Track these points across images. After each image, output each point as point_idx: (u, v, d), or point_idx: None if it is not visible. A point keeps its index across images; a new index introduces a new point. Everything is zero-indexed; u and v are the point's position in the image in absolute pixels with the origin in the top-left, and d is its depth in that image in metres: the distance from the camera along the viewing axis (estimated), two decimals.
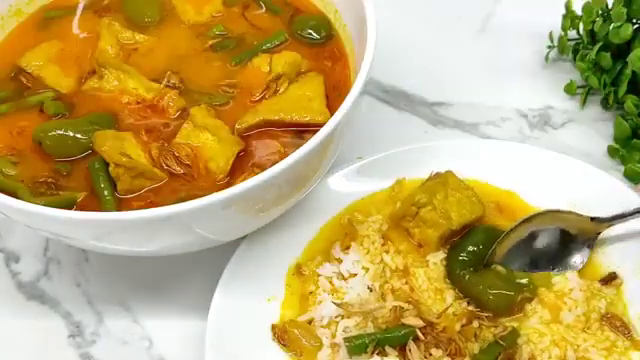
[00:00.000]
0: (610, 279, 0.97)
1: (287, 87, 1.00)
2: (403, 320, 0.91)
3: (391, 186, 1.07)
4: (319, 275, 1.00)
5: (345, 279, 0.99)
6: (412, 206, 1.00)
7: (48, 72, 1.04)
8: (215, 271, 0.99)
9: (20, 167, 0.95)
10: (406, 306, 0.93)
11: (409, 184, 1.06)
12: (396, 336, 0.90)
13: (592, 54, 1.17)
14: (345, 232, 1.03)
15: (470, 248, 0.98)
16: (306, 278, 1.00)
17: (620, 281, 0.97)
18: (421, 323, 0.91)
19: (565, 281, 0.97)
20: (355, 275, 0.99)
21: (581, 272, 0.98)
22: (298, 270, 1.01)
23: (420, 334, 0.90)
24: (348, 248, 1.02)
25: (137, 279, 1.07)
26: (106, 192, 0.92)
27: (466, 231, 1.00)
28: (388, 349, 0.90)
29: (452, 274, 0.97)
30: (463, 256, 0.97)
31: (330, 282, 0.99)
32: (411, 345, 0.90)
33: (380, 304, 0.94)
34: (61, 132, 0.96)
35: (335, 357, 0.93)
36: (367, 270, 0.99)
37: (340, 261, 1.01)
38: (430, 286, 0.97)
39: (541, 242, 0.99)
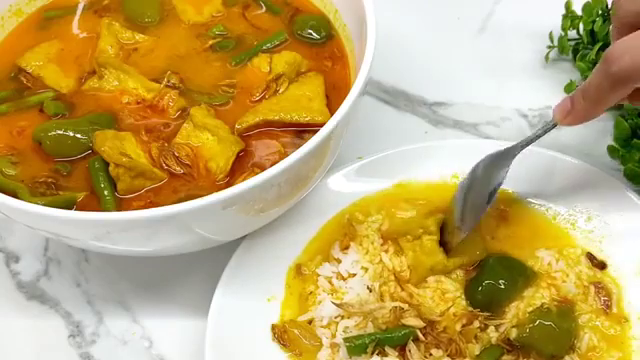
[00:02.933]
0: (598, 264, 0.98)
1: (287, 87, 1.00)
2: (403, 320, 0.91)
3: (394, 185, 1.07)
4: (319, 275, 1.00)
5: (344, 279, 0.99)
6: (420, 229, 0.99)
7: (48, 72, 1.04)
8: (215, 271, 0.99)
9: (20, 167, 0.95)
10: (406, 307, 0.93)
11: (414, 186, 1.07)
12: (396, 336, 0.90)
13: (592, 54, 1.17)
14: (344, 232, 1.03)
15: (486, 282, 0.96)
16: (306, 278, 1.00)
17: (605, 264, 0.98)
18: (421, 324, 0.90)
19: (539, 260, 0.98)
20: (354, 275, 0.99)
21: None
22: (298, 270, 1.01)
23: (420, 334, 0.90)
24: (347, 248, 1.01)
25: (137, 279, 1.07)
26: (106, 192, 0.91)
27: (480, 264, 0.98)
28: (388, 349, 0.90)
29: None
30: (481, 291, 0.95)
31: (330, 282, 0.99)
32: (411, 346, 0.90)
33: (380, 304, 0.94)
34: (61, 132, 0.96)
35: (335, 357, 0.93)
36: (366, 270, 0.99)
37: (339, 261, 1.01)
38: (431, 285, 0.97)
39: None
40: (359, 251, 1.01)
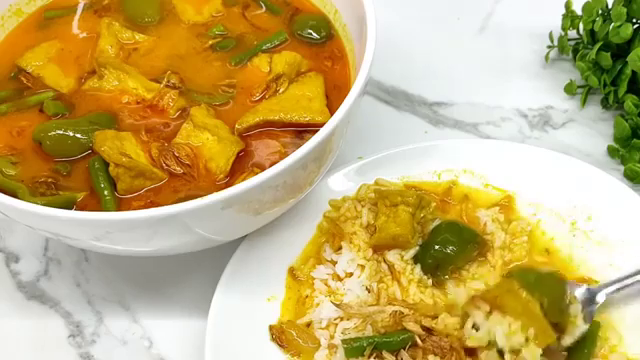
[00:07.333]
0: None
1: (287, 87, 1.00)
2: (404, 324, 0.90)
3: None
4: (314, 279, 1.00)
5: (341, 280, 0.99)
6: (399, 197, 1.00)
7: (48, 72, 1.04)
8: (215, 271, 0.99)
9: (20, 167, 0.95)
10: (406, 311, 0.92)
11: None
12: (394, 341, 0.90)
13: (592, 54, 1.17)
14: (332, 233, 1.03)
15: (437, 247, 0.98)
16: (301, 282, 1.00)
17: None
18: (421, 331, 0.90)
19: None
20: (351, 275, 0.99)
21: None
22: (292, 274, 1.01)
23: (419, 340, 0.89)
24: (340, 249, 1.01)
25: (137, 279, 1.07)
26: (106, 192, 0.92)
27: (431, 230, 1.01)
28: (385, 354, 0.90)
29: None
30: (431, 255, 0.98)
31: (326, 284, 0.99)
32: (403, 355, 0.89)
33: (380, 308, 0.94)
34: (61, 132, 0.96)
35: (332, 358, 0.93)
36: (363, 268, 0.99)
37: (334, 263, 1.00)
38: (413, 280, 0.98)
39: None
40: (351, 249, 1.00)
